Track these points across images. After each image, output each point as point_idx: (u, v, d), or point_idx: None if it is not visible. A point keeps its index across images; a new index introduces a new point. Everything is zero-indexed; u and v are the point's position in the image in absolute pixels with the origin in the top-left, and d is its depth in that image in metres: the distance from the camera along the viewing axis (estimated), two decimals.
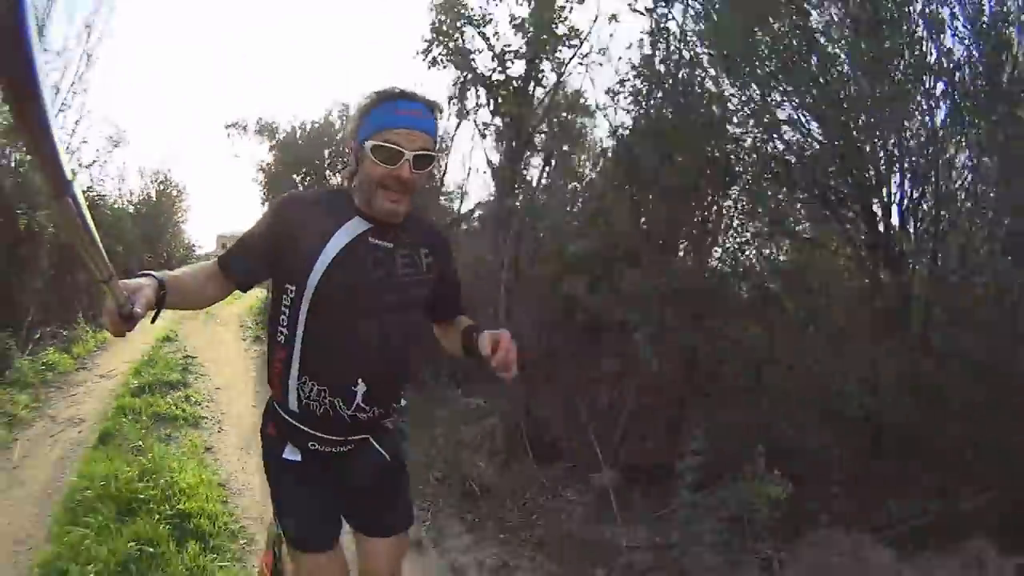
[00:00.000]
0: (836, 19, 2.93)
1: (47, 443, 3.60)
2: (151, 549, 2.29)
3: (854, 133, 2.86)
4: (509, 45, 4.65)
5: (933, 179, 2.67)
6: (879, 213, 2.86)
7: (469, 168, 6.15)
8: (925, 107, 2.71)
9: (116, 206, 10.32)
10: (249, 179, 7.84)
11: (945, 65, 2.60)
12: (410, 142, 1.14)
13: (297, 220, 1.21)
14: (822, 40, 2.92)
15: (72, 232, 0.57)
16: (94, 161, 7.78)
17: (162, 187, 15.06)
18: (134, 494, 2.71)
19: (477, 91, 4.96)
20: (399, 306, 1.25)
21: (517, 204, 4.47)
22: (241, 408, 4.72)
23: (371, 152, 1.14)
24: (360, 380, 1.22)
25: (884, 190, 2.84)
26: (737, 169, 3.23)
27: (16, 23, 0.30)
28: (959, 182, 2.71)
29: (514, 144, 4.78)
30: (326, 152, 7.95)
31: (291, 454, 1.28)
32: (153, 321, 1.04)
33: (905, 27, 2.66)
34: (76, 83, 6.21)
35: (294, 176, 7.88)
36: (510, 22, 4.55)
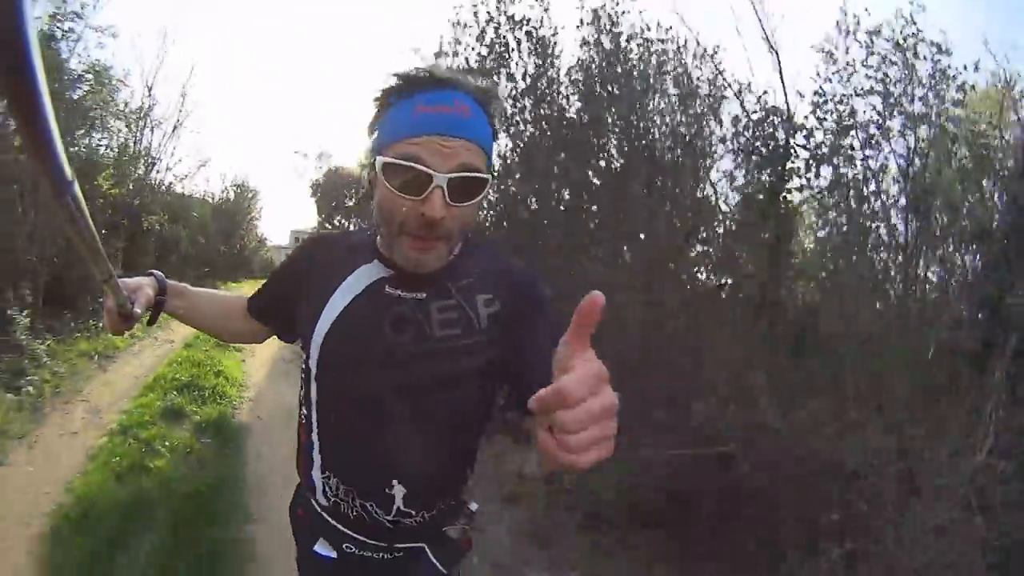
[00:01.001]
0: None
1: (155, 347, 6.46)
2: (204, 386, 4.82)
3: None
4: None
5: None
6: None
7: None
8: None
9: (197, 211, 12.84)
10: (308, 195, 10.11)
11: None
12: (443, 158, 0.73)
13: (312, 264, 0.95)
14: None
15: (72, 231, 0.56)
16: (186, 175, 10.64)
17: (239, 190, 17.34)
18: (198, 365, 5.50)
19: None
20: (440, 382, 0.85)
21: None
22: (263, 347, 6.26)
23: (383, 173, 0.75)
24: (396, 482, 0.87)
25: None
26: None
27: (15, 22, 0.30)
28: None
29: None
30: None
31: (324, 549, 0.96)
32: (150, 323, 1.00)
33: None
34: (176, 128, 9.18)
35: (343, 191, 9.49)
36: None
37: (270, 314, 1.04)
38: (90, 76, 6.22)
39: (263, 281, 1.10)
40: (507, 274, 0.90)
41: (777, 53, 3.26)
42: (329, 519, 0.93)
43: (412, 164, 0.73)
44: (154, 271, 1.00)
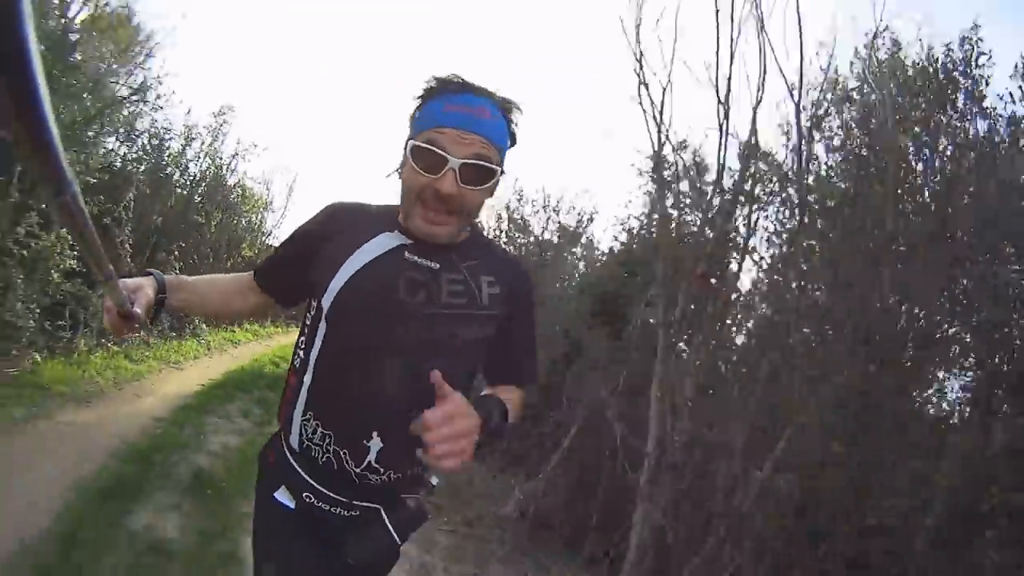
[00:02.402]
0: None
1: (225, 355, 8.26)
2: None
3: None
4: None
5: None
6: None
7: None
8: None
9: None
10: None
11: None
12: (459, 147, 0.87)
13: (331, 228, 1.01)
14: None
15: (72, 231, 0.56)
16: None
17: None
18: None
19: None
20: (441, 344, 0.94)
21: None
22: None
23: (411, 155, 0.89)
24: (375, 434, 0.93)
25: None
26: None
27: (14, 21, 0.30)
28: None
29: None
30: None
31: (284, 498, 1.01)
32: (152, 321, 1.00)
33: None
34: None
35: None
36: None
37: (277, 279, 1.09)
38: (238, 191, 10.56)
39: (272, 250, 1.16)
40: (512, 264, 1.07)
41: None
42: (295, 465, 1.00)
43: (433, 148, 0.87)
44: (152, 271, 1.02)
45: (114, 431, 3.52)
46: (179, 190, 8.32)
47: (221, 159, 9.33)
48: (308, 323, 1.00)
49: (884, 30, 4.27)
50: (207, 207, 8.93)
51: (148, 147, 7.41)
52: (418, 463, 0.88)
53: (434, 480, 0.96)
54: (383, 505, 0.97)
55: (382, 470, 0.95)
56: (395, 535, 0.96)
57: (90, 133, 5.60)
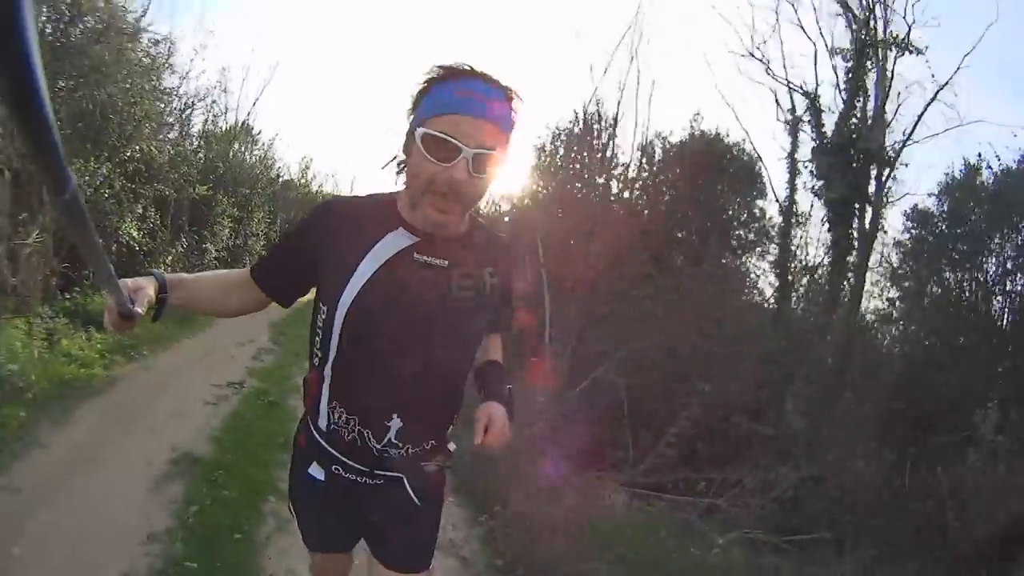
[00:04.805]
0: None
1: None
2: None
3: None
4: None
5: None
6: None
7: None
8: None
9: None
10: None
11: None
12: (472, 135, 0.88)
13: (331, 231, 1.02)
14: None
15: (72, 230, 0.55)
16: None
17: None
18: None
19: None
20: (452, 336, 1.03)
21: None
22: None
23: (421, 143, 0.89)
24: (395, 415, 1.03)
25: None
26: None
27: (14, 19, 0.30)
28: None
29: None
30: None
31: (316, 472, 1.13)
32: (154, 320, 1.01)
33: None
34: None
35: None
36: None
37: (277, 279, 1.10)
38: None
39: (269, 249, 1.21)
40: (505, 249, 1.13)
41: None
42: (324, 444, 1.10)
43: (446, 137, 0.87)
44: (153, 270, 1.02)
45: None
46: None
47: None
48: (321, 325, 1.03)
49: None
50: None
51: None
52: (436, 436, 1.10)
53: (451, 446, 1.16)
54: (405, 474, 1.10)
55: (401, 445, 1.05)
56: (414, 498, 1.12)
57: None
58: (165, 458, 2.85)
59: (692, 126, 7.88)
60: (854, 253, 7.15)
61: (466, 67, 0.89)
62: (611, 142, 6.87)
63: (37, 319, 4.23)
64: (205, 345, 5.66)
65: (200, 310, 1.15)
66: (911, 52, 6.59)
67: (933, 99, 6.61)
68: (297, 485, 1.20)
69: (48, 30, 4.68)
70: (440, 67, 0.90)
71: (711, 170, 7.60)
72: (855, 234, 7.14)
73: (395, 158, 0.99)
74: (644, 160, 7.28)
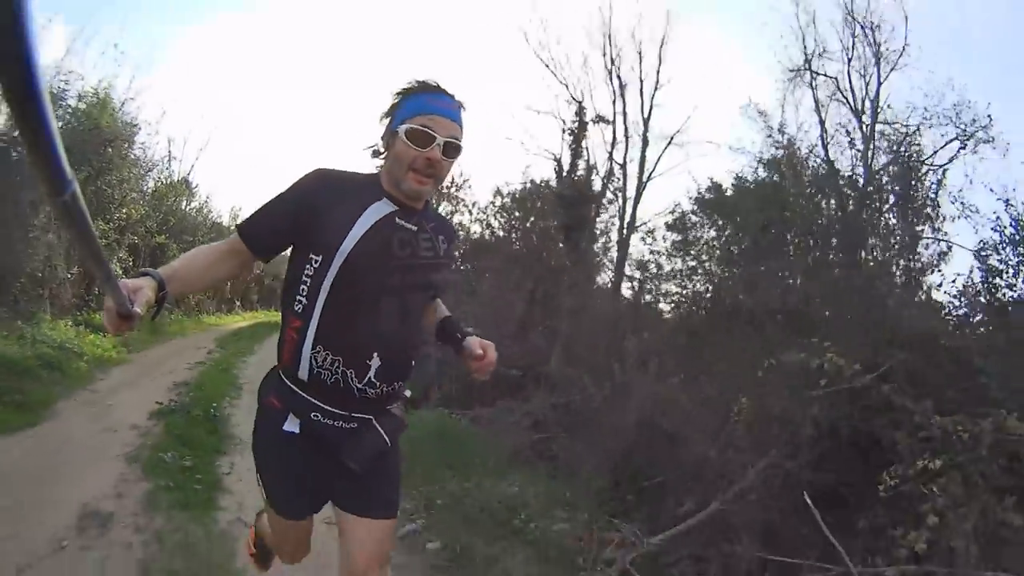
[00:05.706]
0: None
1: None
2: None
3: None
4: None
5: None
6: None
7: None
8: None
9: None
10: None
11: None
12: (444, 129, 1.20)
13: (326, 192, 1.24)
14: None
15: (72, 231, 0.55)
16: None
17: None
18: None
19: None
20: (418, 286, 1.30)
21: None
22: None
23: (405, 135, 1.19)
24: (376, 354, 1.23)
25: None
26: None
27: (16, 21, 0.30)
28: None
29: None
30: None
31: (291, 426, 1.27)
32: (153, 319, 1.09)
33: None
34: None
35: None
36: None
37: (266, 231, 1.27)
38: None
39: (258, 211, 1.28)
40: (448, 225, 1.46)
41: None
42: (303, 393, 1.26)
43: (425, 129, 1.19)
44: (149, 270, 1.08)
45: None
46: None
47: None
48: (311, 275, 1.22)
49: None
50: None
51: None
52: (403, 377, 1.34)
53: (407, 393, 1.43)
54: (374, 415, 1.30)
55: (378, 383, 1.25)
56: (385, 437, 1.31)
57: None
58: (167, 387, 5.48)
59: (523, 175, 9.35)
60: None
61: (434, 83, 1.23)
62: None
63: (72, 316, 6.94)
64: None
65: (194, 291, 1.42)
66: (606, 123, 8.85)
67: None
68: (268, 447, 1.35)
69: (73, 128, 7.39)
70: (417, 82, 1.23)
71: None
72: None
73: (374, 147, 1.32)
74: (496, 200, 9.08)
